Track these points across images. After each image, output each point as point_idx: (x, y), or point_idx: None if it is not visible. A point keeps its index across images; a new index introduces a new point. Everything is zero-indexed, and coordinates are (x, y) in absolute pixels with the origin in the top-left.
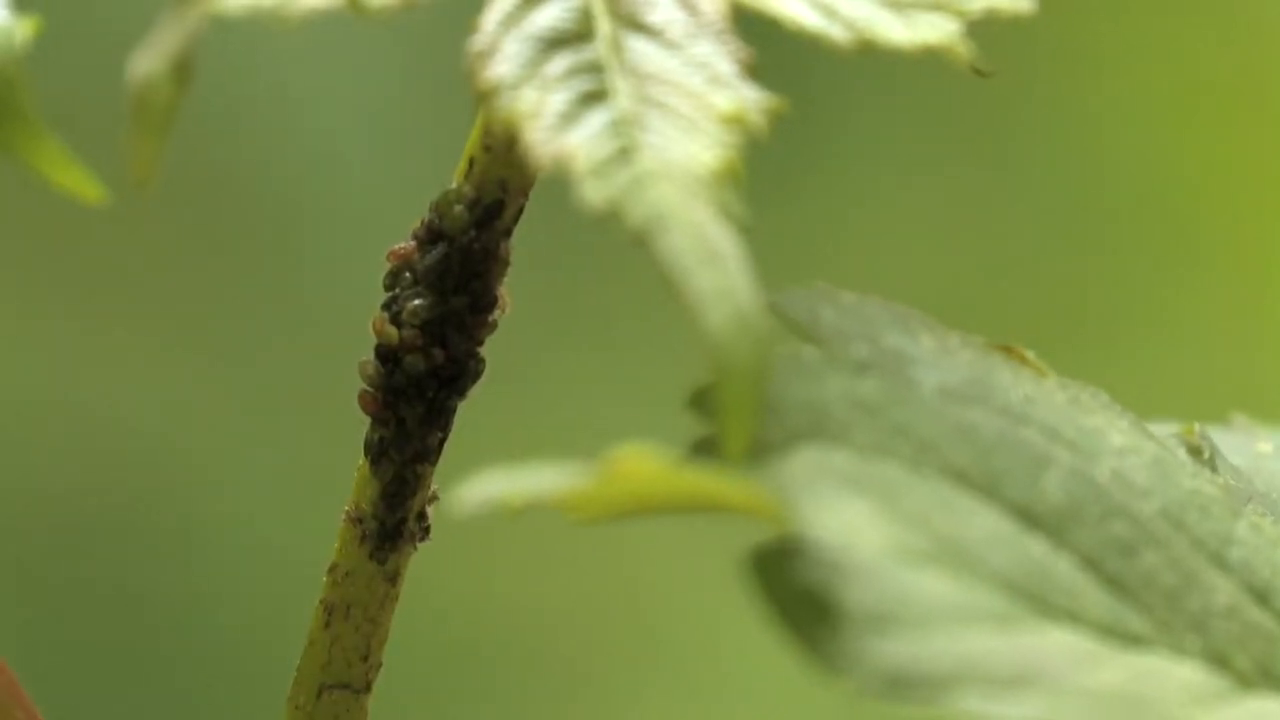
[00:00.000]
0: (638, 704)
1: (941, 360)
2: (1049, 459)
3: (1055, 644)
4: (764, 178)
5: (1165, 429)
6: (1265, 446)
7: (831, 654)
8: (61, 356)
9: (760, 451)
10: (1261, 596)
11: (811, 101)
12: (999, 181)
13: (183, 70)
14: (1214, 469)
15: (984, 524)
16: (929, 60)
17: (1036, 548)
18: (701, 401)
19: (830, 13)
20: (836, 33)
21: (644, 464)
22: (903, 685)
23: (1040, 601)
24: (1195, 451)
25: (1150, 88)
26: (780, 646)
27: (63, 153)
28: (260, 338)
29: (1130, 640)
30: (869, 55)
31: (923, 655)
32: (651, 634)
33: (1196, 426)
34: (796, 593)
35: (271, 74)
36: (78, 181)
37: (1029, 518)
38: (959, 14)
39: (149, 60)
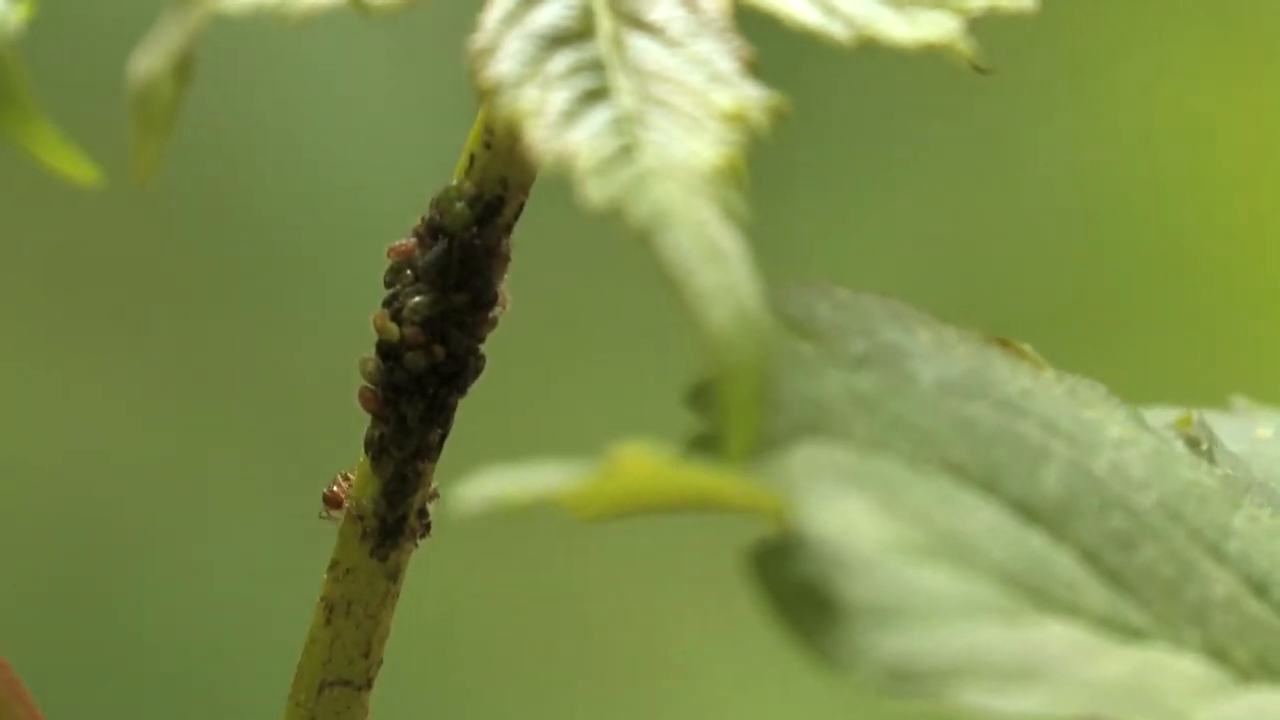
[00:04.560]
0: (638, 702)
1: (939, 354)
2: (1047, 452)
3: (1056, 637)
4: (759, 174)
5: (1165, 415)
6: (1265, 431)
7: (833, 649)
8: (61, 352)
9: (760, 447)
10: (1260, 588)
11: (808, 98)
12: (994, 172)
13: (184, 69)
14: (1211, 460)
15: (983, 518)
16: (929, 57)
17: (1036, 541)
18: (700, 398)
19: (831, 10)
20: (837, 30)
21: (644, 461)
22: (905, 679)
23: (1040, 595)
24: (1193, 443)
25: (1147, 76)
26: (777, 646)
27: (57, 136)
28: (260, 333)
29: (1130, 633)
30: (869, 52)
31: (925, 649)
32: (654, 633)
33: (1195, 415)
34: (797, 588)
35: (270, 72)
36: (72, 165)
37: (1028, 511)
38: (960, 11)
39: (150, 58)
